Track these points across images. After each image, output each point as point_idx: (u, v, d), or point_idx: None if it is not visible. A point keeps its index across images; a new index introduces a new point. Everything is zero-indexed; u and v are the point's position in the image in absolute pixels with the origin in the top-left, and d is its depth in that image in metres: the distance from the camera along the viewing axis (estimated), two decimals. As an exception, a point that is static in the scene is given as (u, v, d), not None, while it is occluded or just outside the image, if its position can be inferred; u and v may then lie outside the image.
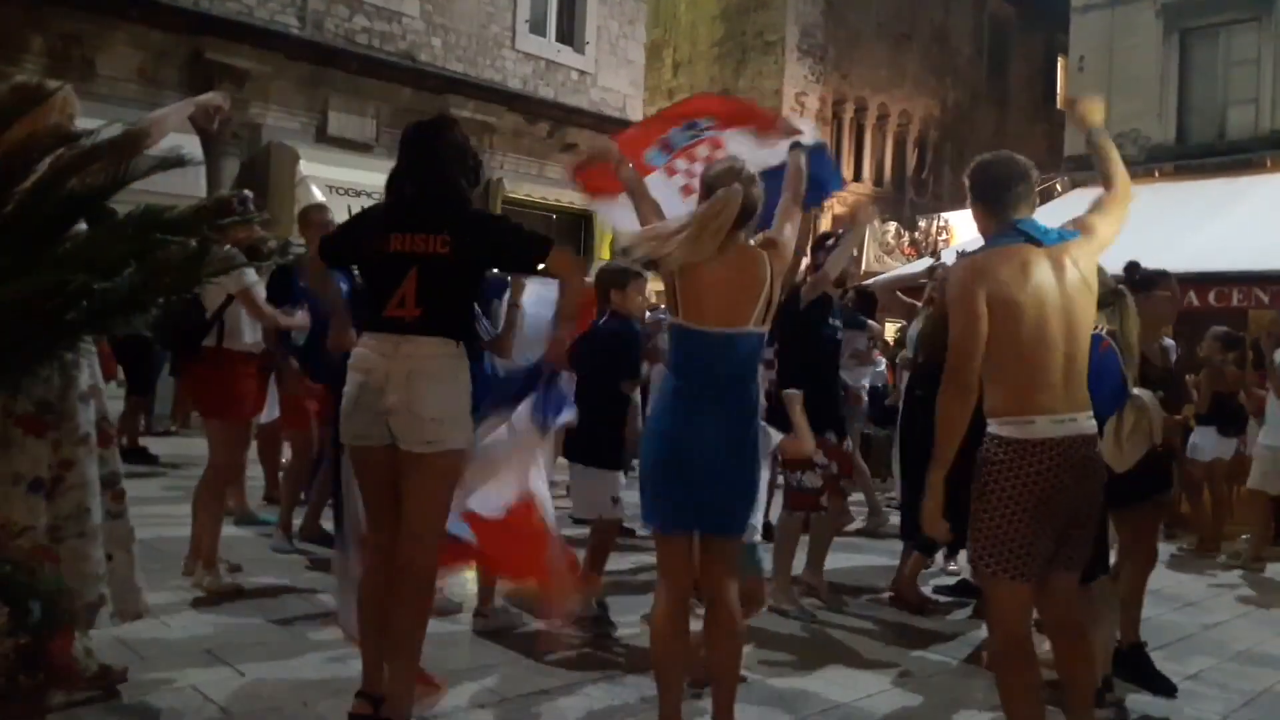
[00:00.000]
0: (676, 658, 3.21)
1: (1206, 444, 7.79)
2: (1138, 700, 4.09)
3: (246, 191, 5.01)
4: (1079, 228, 3.06)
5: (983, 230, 3.15)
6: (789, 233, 3.29)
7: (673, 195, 4.14)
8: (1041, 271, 2.92)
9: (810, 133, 4.19)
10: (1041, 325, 2.90)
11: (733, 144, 4.16)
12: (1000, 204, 3.06)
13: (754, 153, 3.93)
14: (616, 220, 4.24)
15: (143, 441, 9.27)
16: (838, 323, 5.31)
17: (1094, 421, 3.00)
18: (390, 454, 3.10)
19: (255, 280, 4.95)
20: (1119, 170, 3.18)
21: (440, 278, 3.07)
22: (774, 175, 3.98)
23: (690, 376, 3.14)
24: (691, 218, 3.07)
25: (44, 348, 2.18)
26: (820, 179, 4.34)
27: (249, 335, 5.05)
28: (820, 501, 5.07)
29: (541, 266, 3.32)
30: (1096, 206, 3.14)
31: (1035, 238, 2.96)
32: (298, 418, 6.05)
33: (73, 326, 2.18)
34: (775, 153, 3.96)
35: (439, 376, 3.07)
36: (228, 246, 4.80)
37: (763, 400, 3.37)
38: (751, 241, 3.23)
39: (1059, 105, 22.41)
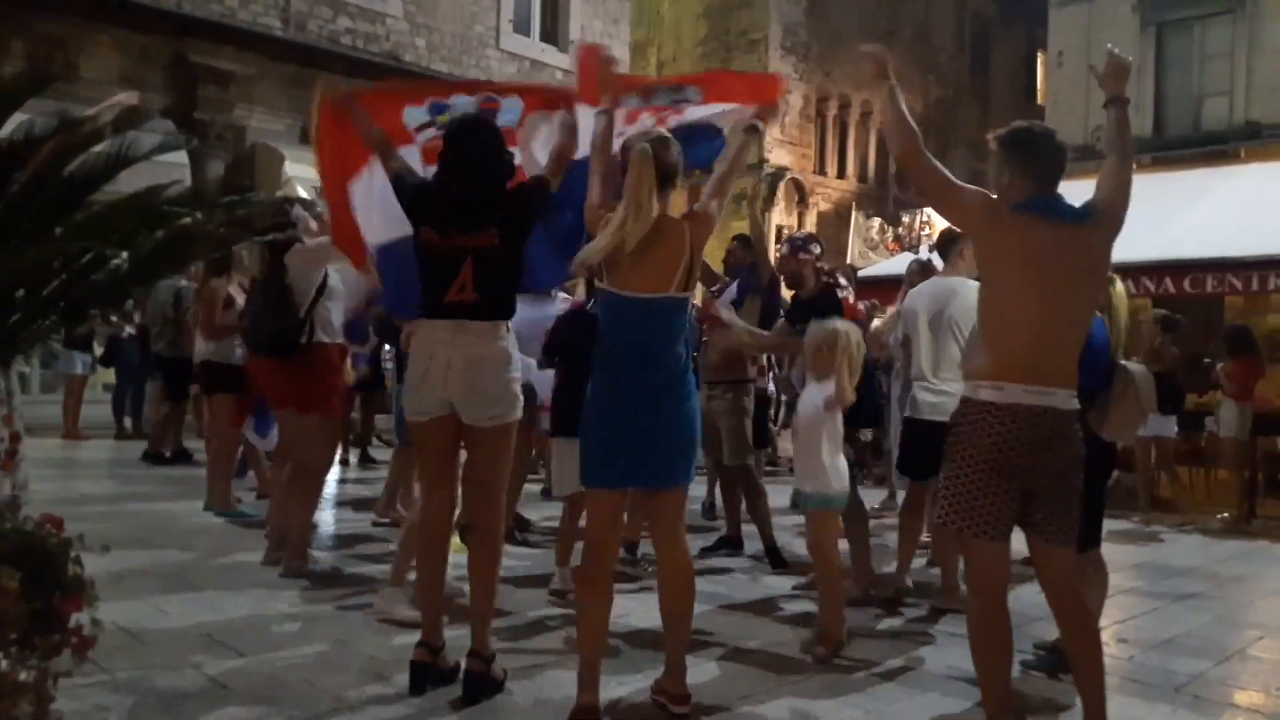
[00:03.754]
0: (597, 617, 3.32)
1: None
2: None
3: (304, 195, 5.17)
4: (1093, 209, 3.09)
5: (1008, 191, 3.11)
6: (714, 207, 3.43)
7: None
8: (1053, 247, 2.98)
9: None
10: (1036, 297, 2.97)
11: (690, 114, 4.16)
12: (1039, 173, 3.10)
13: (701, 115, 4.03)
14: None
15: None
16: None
17: (1074, 400, 3.06)
18: (448, 424, 3.52)
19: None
20: (1129, 147, 3.20)
21: (493, 265, 3.47)
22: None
23: (617, 339, 3.32)
24: (625, 196, 3.22)
25: (68, 313, 2.26)
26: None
27: (336, 328, 5.26)
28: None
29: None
30: (1106, 186, 3.14)
31: (1059, 213, 3.04)
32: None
33: (93, 293, 2.25)
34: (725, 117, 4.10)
35: (495, 362, 3.48)
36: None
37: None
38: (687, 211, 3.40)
39: (1040, 101, 22.58)
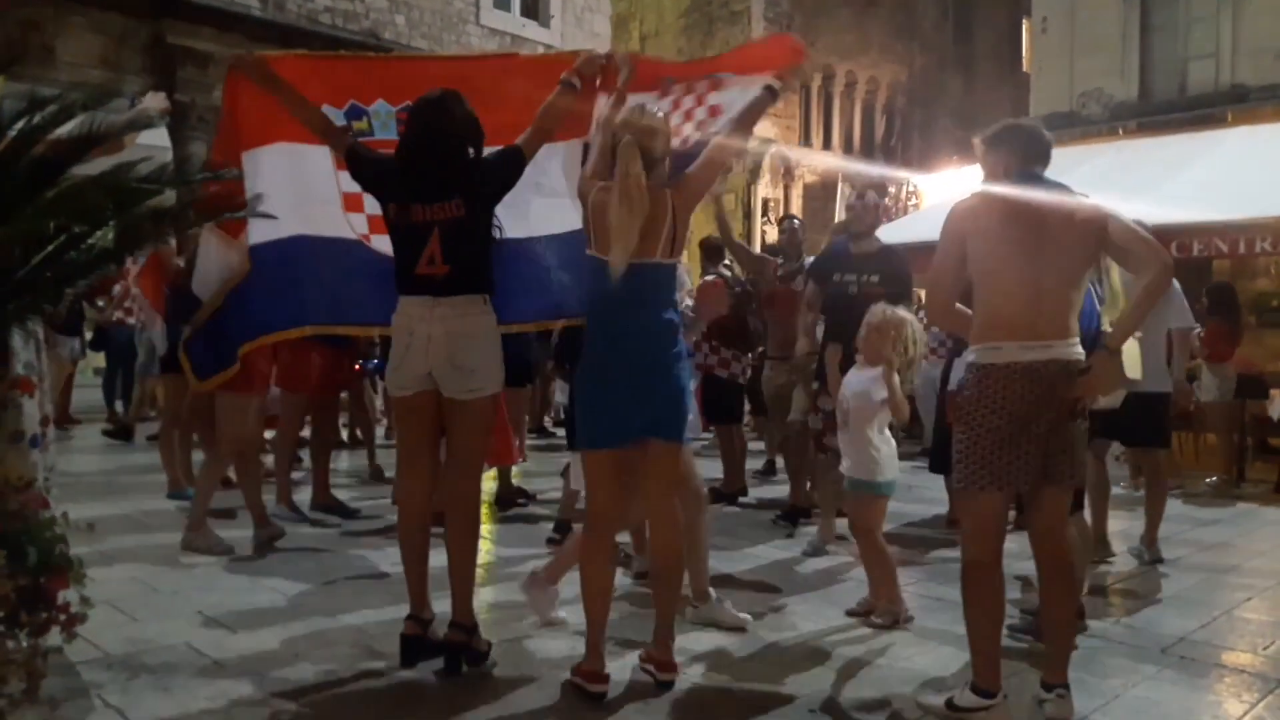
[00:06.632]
0: (601, 577, 3.38)
1: None
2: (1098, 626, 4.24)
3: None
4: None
5: (996, 176, 3.33)
6: (704, 172, 3.44)
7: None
8: (1024, 210, 3.09)
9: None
10: (1014, 260, 3.07)
11: (721, 98, 4.15)
12: (1022, 159, 3.29)
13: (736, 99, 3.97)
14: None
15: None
16: (849, 276, 5.47)
17: (1076, 349, 3.11)
18: (431, 399, 3.52)
19: None
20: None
21: (460, 236, 3.45)
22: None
23: (603, 302, 3.35)
24: (616, 187, 3.25)
25: (51, 289, 2.25)
26: None
27: None
28: (824, 442, 5.30)
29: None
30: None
31: (1030, 181, 3.18)
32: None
33: (69, 272, 2.25)
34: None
35: (473, 333, 3.47)
36: None
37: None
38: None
39: (1025, 69, 22.54)
